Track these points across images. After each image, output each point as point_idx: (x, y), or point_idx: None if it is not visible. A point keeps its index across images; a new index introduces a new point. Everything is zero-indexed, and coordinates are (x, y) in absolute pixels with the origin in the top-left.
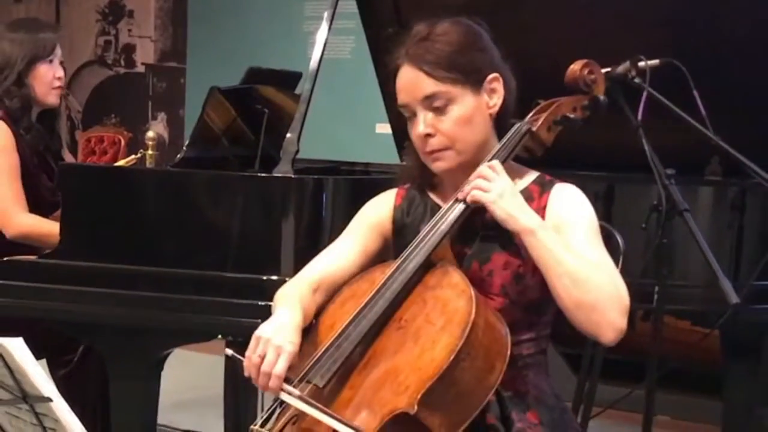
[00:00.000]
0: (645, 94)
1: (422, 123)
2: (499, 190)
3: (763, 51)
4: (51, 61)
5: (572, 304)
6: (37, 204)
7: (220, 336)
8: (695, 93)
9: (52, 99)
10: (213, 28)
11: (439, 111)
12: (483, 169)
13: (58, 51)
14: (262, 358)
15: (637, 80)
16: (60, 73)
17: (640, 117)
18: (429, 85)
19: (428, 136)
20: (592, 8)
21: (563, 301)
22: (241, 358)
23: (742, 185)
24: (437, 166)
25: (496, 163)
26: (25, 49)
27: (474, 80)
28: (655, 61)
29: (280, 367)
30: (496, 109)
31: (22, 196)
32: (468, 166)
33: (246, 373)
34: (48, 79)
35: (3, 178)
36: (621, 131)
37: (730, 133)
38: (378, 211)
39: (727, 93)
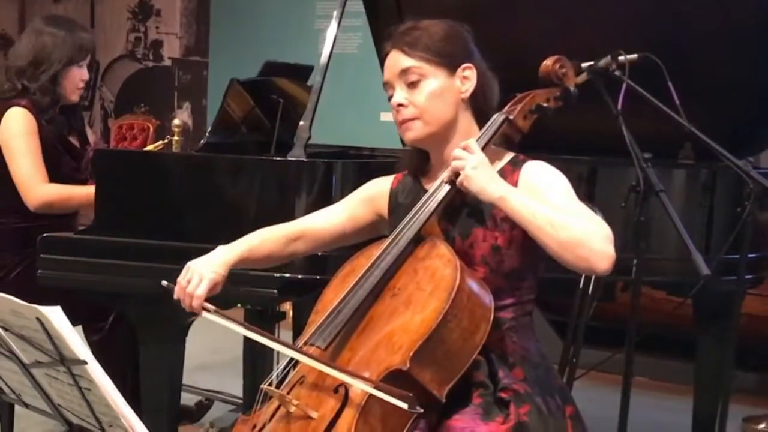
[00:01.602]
0: (624, 85)
1: (397, 94)
2: (473, 163)
3: (731, 45)
4: (82, 66)
5: (557, 246)
6: (63, 182)
7: (239, 305)
8: (670, 84)
9: (74, 97)
10: (233, 26)
11: (413, 85)
12: (457, 150)
13: (89, 56)
14: (189, 282)
15: (617, 73)
16: (86, 76)
17: (619, 106)
18: (405, 61)
19: (401, 105)
20: (577, 9)
21: (549, 247)
22: (173, 287)
23: (713, 168)
24: (407, 136)
25: (471, 141)
26: (65, 50)
27: (447, 63)
28: (633, 56)
29: (201, 290)
30: (467, 95)
31: (43, 171)
32: (442, 138)
33: (175, 296)
34: (76, 81)
35: (23, 157)
36: (603, 119)
37: (701, 121)
38: (375, 188)
39: (699, 84)
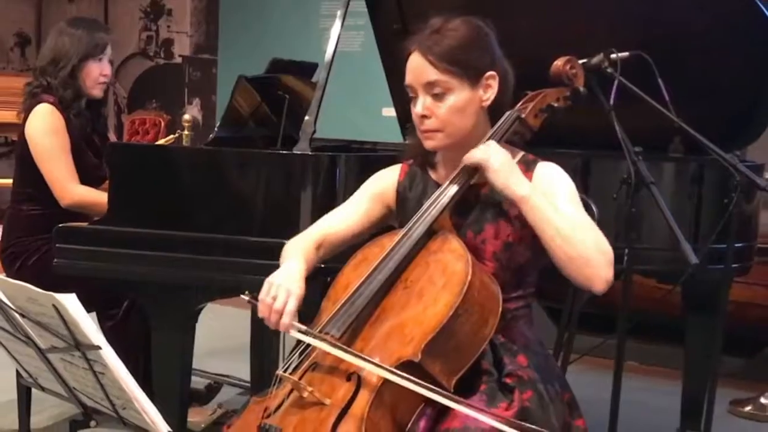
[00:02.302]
0: (616, 82)
1: (421, 105)
2: (498, 163)
3: (718, 43)
4: (100, 60)
5: (566, 258)
6: (84, 178)
7: (247, 292)
8: (660, 81)
9: (96, 92)
10: (241, 25)
11: (437, 97)
12: (482, 147)
13: (108, 51)
14: (274, 299)
15: (609, 70)
16: (107, 70)
17: (612, 102)
18: (431, 74)
19: (424, 117)
20: (571, 8)
21: (557, 256)
22: (255, 302)
23: (701, 161)
24: (428, 144)
25: (492, 142)
26: (82, 46)
27: (472, 75)
28: (625, 54)
29: (291, 307)
30: (489, 102)
31: (74, 171)
32: (461, 148)
33: (260, 314)
34: (95, 76)
35: (58, 156)
36: (596, 114)
37: (690, 116)
38: (383, 183)
39: (688, 80)
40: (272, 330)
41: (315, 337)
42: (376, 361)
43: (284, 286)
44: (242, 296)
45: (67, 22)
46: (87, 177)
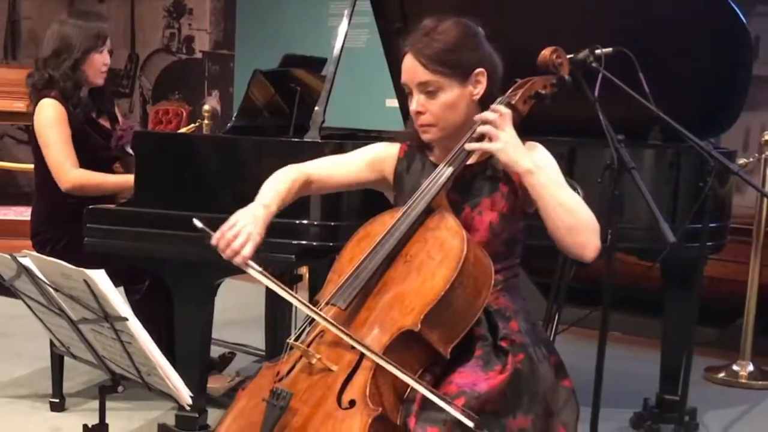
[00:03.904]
0: (600, 75)
1: (415, 102)
2: (506, 138)
3: (694, 39)
4: (102, 51)
5: (565, 228)
6: (95, 160)
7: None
8: (640, 75)
9: (99, 81)
10: (256, 23)
11: (430, 95)
12: (488, 114)
13: (108, 41)
14: (235, 237)
15: (594, 64)
16: (107, 60)
17: (596, 94)
18: (423, 74)
19: (419, 113)
20: (562, 8)
21: (558, 227)
22: (210, 232)
23: (678, 148)
24: (424, 137)
25: (501, 107)
26: (83, 38)
27: (461, 74)
28: (608, 49)
29: (247, 251)
30: (479, 96)
31: (73, 156)
32: (455, 137)
33: (214, 242)
34: (97, 66)
35: (56, 143)
36: (581, 105)
37: (668, 107)
38: (383, 152)
39: (666, 74)
40: (285, 302)
41: (266, 277)
42: (378, 334)
43: (247, 229)
44: (194, 221)
45: (68, 14)
46: (95, 158)
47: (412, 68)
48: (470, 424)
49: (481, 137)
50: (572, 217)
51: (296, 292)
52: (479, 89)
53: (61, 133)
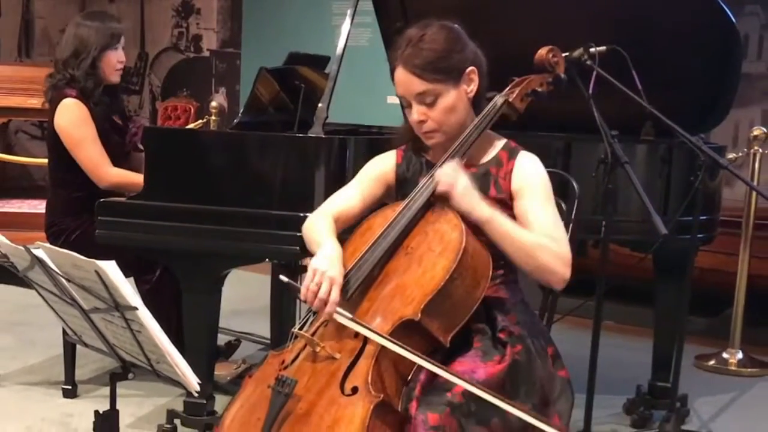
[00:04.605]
0: (594, 73)
1: (416, 113)
2: (461, 187)
3: (686, 39)
4: (117, 49)
5: (526, 269)
6: (112, 156)
7: (267, 259)
8: (633, 72)
9: (115, 78)
10: (262, 23)
11: (430, 104)
12: (443, 172)
13: (122, 40)
14: (318, 286)
15: (588, 62)
16: (122, 58)
17: (591, 91)
18: (419, 85)
19: (421, 122)
20: (557, 9)
21: (520, 267)
22: (295, 284)
23: (670, 144)
24: (429, 142)
25: (454, 164)
26: (99, 38)
27: (455, 77)
28: (602, 48)
29: (334, 296)
30: (473, 93)
31: (106, 155)
32: (455, 134)
33: (302, 298)
34: (113, 63)
35: (89, 144)
36: (576, 102)
37: (660, 103)
38: (382, 166)
39: (658, 72)
40: (291, 296)
41: (356, 323)
42: (380, 323)
43: (328, 274)
44: (281, 277)
45: (82, 16)
46: (114, 154)
47: (406, 81)
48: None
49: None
50: (533, 259)
51: (301, 283)
52: (473, 87)
53: (90, 132)
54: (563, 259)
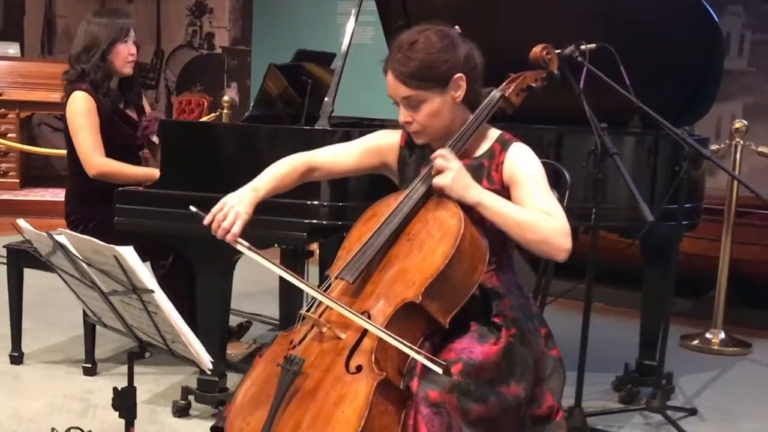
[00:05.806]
0: (585, 69)
1: (402, 114)
2: (453, 173)
3: (671, 36)
4: (126, 42)
5: (525, 243)
6: (120, 148)
7: (276, 245)
8: (622, 69)
9: (127, 70)
10: (271, 21)
11: (414, 107)
12: (438, 158)
13: (132, 33)
14: (225, 217)
15: (579, 59)
16: (133, 50)
17: (581, 86)
18: (404, 91)
19: (407, 122)
20: (551, 8)
21: (521, 241)
22: (203, 214)
23: (656, 135)
24: (416, 140)
25: (446, 151)
26: (108, 32)
27: (440, 84)
28: (592, 45)
29: (236, 229)
30: (461, 98)
31: (100, 145)
32: (446, 134)
33: (206, 223)
34: (124, 55)
35: (85, 132)
36: (568, 96)
37: (647, 97)
38: (385, 140)
39: (645, 68)
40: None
41: (254, 252)
42: (382, 305)
43: (236, 209)
44: (190, 208)
45: (92, 14)
46: (122, 146)
47: (393, 85)
48: (438, 370)
49: (438, 172)
50: (533, 233)
51: (308, 268)
52: (460, 92)
53: (90, 123)
54: (562, 231)
